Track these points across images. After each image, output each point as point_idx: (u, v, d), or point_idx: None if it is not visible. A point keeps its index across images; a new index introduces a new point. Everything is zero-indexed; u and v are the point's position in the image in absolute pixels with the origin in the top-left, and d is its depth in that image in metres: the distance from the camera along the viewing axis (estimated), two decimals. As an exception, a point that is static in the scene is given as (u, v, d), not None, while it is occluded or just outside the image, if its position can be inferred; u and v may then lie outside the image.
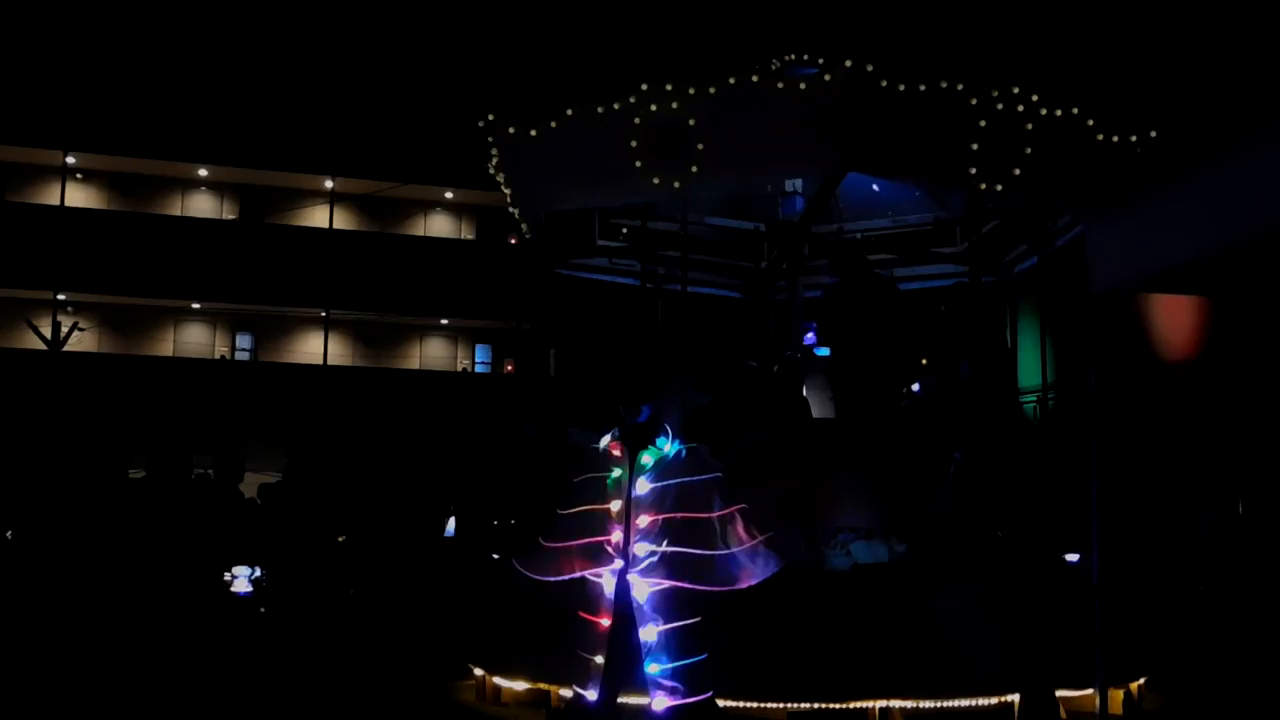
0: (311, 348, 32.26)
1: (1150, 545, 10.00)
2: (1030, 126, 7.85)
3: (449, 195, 33.44)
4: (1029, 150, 7.83)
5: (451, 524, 14.50)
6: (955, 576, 7.17)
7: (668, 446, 5.85)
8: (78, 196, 31.19)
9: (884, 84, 7.70)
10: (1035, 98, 7.89)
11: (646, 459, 5.82)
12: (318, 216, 32.18)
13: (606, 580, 5.78)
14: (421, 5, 31.26)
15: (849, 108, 7.72)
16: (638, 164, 8.01)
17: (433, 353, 33.99)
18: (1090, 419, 5.96)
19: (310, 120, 30.16)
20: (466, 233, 34.25)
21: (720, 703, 5.98)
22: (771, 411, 8.93)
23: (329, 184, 31.88)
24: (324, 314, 31.57)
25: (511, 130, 8.75)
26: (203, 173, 32.12)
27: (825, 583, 7.25)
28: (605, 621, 5.77)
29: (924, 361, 8.76)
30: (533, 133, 8.57)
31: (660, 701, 5.62)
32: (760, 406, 8.92)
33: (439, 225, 34.13)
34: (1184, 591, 9.42)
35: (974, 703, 6.84)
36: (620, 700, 5.88)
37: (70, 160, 30.58)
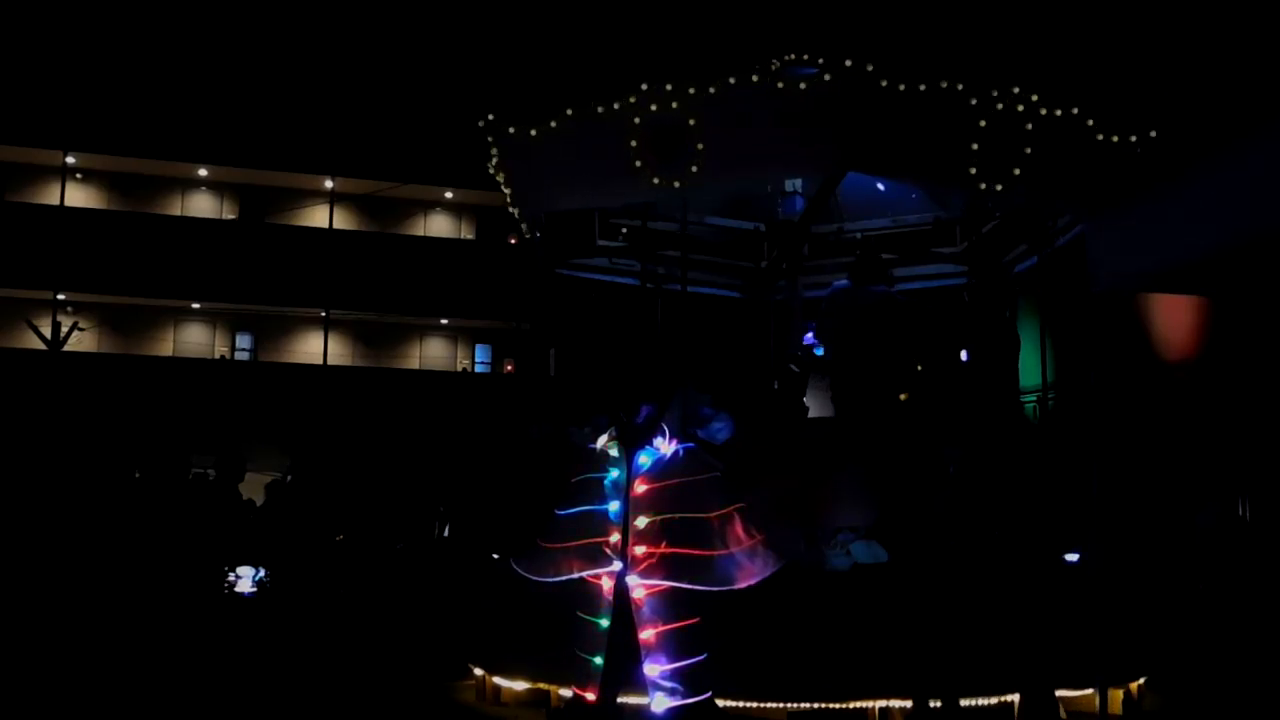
0: (311, 348, 32.24)
1: (1150, 545, 9.98)
2: (1030, 126, 7.85)
3: (449, 195, 33.41)
4: (1029, 150, 7.83)
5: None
6: (955, 576, 7.16)
7: (665, 446, 5.84)
8: (78, 196, 31.16)
9: (884, 84, 7.71)
10: (1035, 98, 7.88)
11: (644, 459, 5.82)
12: (318, 216, 32.16)
13: (605, 581, 5.78)
14: (421, 5, 31.26)
15: (849, 108, 7.72)
16: (638, 164, 8.01)
17: (433, 353, 33.97)
18: (1090, 419, 5.96)
19: (310, 120, 30.13)
20: (466, 233, 34.23)
21: (720, 703, 5.99)
22: (773, 411, 8.93)
23: (329, 184, 31.85)
24: (324, 314, 31.55)
25: (511, 130, 8.74)
26: (203, 173, 32.10)
27: (825, 583, 7.25)
28: (604, 622, 5.77)
29: (919, 368, 8.75)
30: (533, 133, 8.57)
31: (660, 701, 5.62)
32: (768, 407, 8.92)
33: (439, 225, 34.10)
34: (1184, 591, 9.40)
35: (974, 703, 6.84)
36: (620, 700, 5.88)
37: (70, 160, 30.55)
